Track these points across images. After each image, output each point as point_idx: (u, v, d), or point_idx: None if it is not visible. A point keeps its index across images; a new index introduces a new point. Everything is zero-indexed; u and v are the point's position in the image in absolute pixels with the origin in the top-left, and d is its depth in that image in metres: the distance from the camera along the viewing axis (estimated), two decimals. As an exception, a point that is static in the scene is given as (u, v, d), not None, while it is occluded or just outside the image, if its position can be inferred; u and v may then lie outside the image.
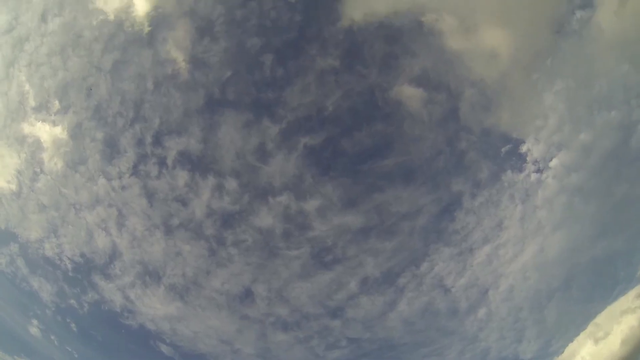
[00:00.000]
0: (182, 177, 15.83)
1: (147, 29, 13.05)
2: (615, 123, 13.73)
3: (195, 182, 16.12)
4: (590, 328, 17.43)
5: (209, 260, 18.24)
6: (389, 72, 14.47)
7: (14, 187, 16.12)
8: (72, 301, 19.05)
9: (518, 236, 17.45)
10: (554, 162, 14.75)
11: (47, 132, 14.84)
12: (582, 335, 17.41)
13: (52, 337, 19.67)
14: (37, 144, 15.32)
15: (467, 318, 16.20)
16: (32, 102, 14.71)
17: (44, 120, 14.92)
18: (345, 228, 16.75)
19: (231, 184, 15.61)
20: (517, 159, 15.36)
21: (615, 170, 13.72)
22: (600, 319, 17.07)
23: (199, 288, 18.86)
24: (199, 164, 15.87)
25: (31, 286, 18.28)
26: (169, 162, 15.54)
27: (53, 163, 15.47)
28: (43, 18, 13.33)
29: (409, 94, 14.42)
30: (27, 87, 14.26)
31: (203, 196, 17.59)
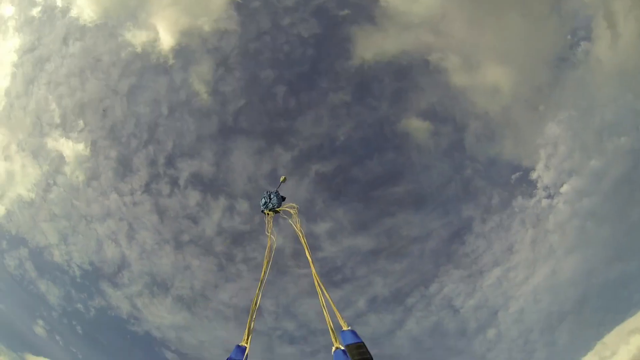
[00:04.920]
0: (193, 196, 16.00)
1: (171, 61, 13.35)
2: (626, 148, 13.79)
3: (207, 202, 16.27)
4: (597, 347, 17.22)
5: (217, 274, 18.31)
6: (398, 106, 14.71)
7: (33, 195, 16.37)
8: (79, 305, 19.21)
9: (529, 259, 17.43)
10: (565, 188, 14.80)
11: (70, 147, 15.08)
12: (589, 355, 17.19)
13: (57, 338, 19.84)
14: (60, 158, 15.59)
15: (476, 338, 16.12)
16: (56, 120, 14.99)
17: (67, 137, 15.15)
18: (355, 250, 16.81)
19: (242, 205, 15.72)
20: (527, 186, 15.43)
21: (628, 194, 13.73)
22: (608, 338, 16.87)
23: (206, 300, 18.88)
24: (210, 186, 16.01)
25: (38, 289, 18.42)
26: (181, 182, 15.69)
27: (75, 176, 15.72)
28: (65, 41, 13.53)
29: (417, 126, 14.66)
30: (53, 105, 14.42)
31: (214, 215, 17.73)
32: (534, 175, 14.92)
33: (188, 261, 17.08)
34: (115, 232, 16.82)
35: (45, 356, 20.38)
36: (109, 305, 18.83)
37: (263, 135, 15.38)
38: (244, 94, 14.24)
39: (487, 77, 14.04)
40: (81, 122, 14.70)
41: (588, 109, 13.72)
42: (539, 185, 14.91)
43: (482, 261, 16.09)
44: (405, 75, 14.34)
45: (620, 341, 15.47)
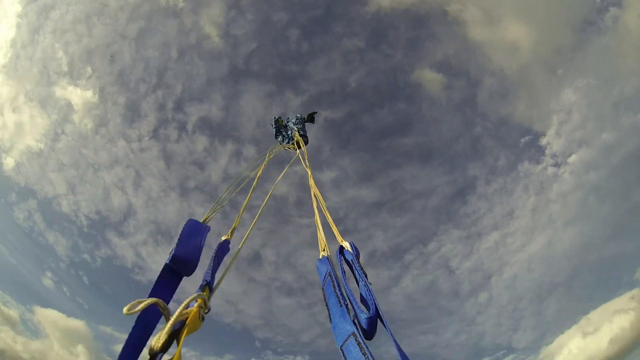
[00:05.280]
0: (201, 142, 15.96)
1: (181, 4, 12.93)
2: None
3: (214, 147, 16.24)
4: (582, 322, 17.83)
5: (221, 222, 18.56)
6: (413, 55, 14.29)
7: (42, 145, 16.45)
8: (86, 256, 19.65)
9: (528, 227, 17.65)
10: (573, 158, 14.68)
11: (78, 95, 14.99)
12: (573, 329, 17.85)
13: (65, 289, 20.42)
14: (68, 106, 15.55)
15: (468, 301, 16.66)
16: (64, 68, 14.77)
17: (75, 85, 15.05)
18: (359, 201, 17.02)
19: (249, 150, 15.78)
20: (535, 151, 15.29)
21: (636, 173, 13.65)
22: (593, 314, 17.42)
23: (209, 249, 19.39)
24: (218, 130, 15.90)
25: (47, 240, 18.86)
26: (189, 127, 15.56)
27: (83, 124, 15.72)
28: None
29: (430, 77, 14.34)
30: (60, 53, 14.23)
31: (221, 161, 17.80)
32: (543, 141, 14.76)
33: (193, 208, 17.33)
34: (122, 179, 17.00)
35: (53, 308, 21.12)
36: (114, 254, 19.29)
37: (274, 79, 15.11)
38: (255, 37, 13.88)
39: (507, 33, 13.53)
40: (89, 69, 14.50)
41: (608, 79, 13.22)
42: (547, 152, 14.80)
43: (481, 223, 16.32)
44: (422, 24, 13.89)
45: (604, 319, 15.97)
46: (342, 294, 0.75)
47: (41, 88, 15.23)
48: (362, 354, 0.56)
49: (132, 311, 0.64)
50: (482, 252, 16.47)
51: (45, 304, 20.75)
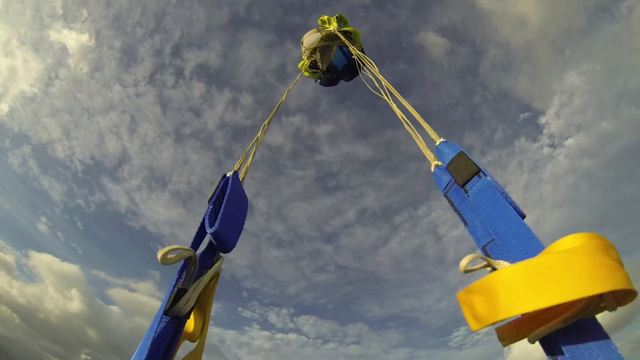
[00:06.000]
0: (198, 88, 15.57)
1: None
2: None
3: (211, 95, 15.90)
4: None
5: (215, 170, 18.67)
6: (419, 17, 13.69)
7: (35, 90, 15.75)
8: (80, 201, 19.83)
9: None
10: (569, 142, 15.15)
11: (74, 39, 14.13)
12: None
13: (59, 234, 20.80)
14: (63, 50, 14.73)
15: (452, 269, 17.95)
16: (58, 10, 13.74)
17: (70, 28, 14.16)
18: (353, 157, 17.32)
19: (246, 99, 15.48)
20: (533, 129, 15.60)
21: (628, 167, 14.28)
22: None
23: (202, 197, 19.57)
24: (216, 78, 15.47)
25: (42, 186, 18.76)
26: (187, 73, 15.08)
27: (78, 68, 15.02)
28: None
29: (434, 41, 13.99)
30: None
31: (217, 108, 17.35)
32: (542, 120, 15.04)
33: (187, 155, 17.38)
34: (117, 124, 16.69)
35: (47, 252, 21.52)
36: (108, 200, 19.46)
37: (275, 29, 14.59)
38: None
39: (517, 5, 13.18)
40: (84, 12, 13.59)
41: (614, 69, 13.34)
42: (545, 131, 15.15)
43: None
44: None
45: None
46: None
47: (34, 32, 14.35)
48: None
49: (166, 261, 0.45)
50: (471, 222, 17.36)
51: (40, 249, 21.24)
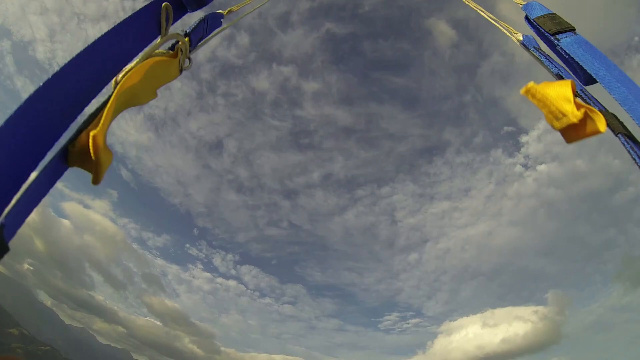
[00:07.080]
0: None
1: None
2: (613, 172, 13.79)
3: None
4: (486, 314, 19.66)
5: (194, 101, 18.05)
6: (435, 2, 13.22)
7: None
8: None
9: (477, 210, 18.49)
10: (542, 167, 15.11)
11: None
12: (477, 316, 19.68)
13: None
14: None
15: (399, 255, 17.89)
16: None
17: None
18: (332, 121, 16.86)
19: (243, 38, 14.85)
20: (512, 145, 15.50)
21: (589, 209, 14.25)
22: (498, 311, 19.23)
23: (175, 125, 19.16)
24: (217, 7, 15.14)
25: (14, 85, 18.08)
26: None
27: None
28: None
29: (443, 30, 13.57)
30: None
31: (211, 41, 16.71)
32: (523, 139, 15.03)
33: (171, 82, 16.96)
34: None
35: None
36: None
37: None
38: None
39: None
40: None
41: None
42: (522, 150, 15.17)
43: (438, 188, 16.96)
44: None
45: (505, 319, 17.74)
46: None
47: None
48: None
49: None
50: (428, 215, 17.26)
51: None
